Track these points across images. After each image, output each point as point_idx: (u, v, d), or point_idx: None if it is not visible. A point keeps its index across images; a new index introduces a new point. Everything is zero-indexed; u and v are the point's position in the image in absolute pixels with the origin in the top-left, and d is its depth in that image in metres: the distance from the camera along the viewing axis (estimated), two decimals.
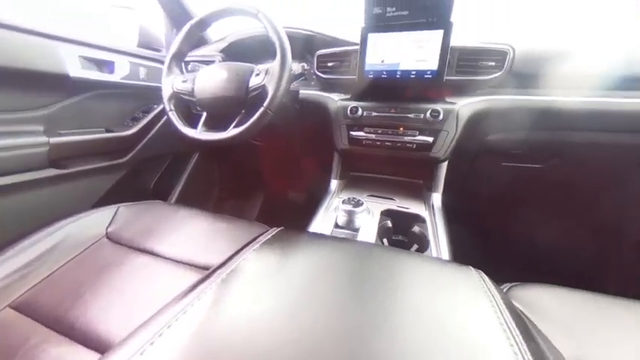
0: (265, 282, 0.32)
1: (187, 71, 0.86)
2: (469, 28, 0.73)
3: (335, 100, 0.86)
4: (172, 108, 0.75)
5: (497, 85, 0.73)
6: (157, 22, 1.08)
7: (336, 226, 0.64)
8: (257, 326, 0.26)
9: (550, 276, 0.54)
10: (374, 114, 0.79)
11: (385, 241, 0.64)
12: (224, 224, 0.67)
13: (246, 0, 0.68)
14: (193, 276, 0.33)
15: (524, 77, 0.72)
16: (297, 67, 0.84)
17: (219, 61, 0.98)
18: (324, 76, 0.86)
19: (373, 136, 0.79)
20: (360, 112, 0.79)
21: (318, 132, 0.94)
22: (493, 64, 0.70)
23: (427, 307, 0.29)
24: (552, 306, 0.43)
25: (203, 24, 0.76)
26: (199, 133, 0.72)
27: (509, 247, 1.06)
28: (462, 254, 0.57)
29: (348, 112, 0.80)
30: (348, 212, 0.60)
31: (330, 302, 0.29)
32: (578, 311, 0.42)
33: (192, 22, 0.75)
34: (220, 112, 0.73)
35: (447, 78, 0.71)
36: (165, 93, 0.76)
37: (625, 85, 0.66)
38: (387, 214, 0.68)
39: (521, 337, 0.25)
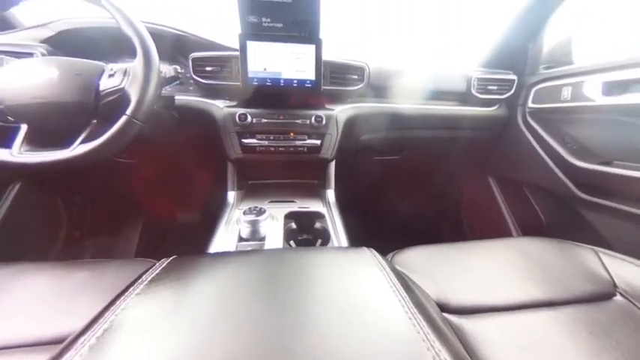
0: (162, 326, 0.26)
1: None
2: (334, 46, 0.86)
3: (220, 107, 0.81)
4: None
5: (361, 95, 0.90)
6: None
7: (240, 239, 0.60)
8: None
9: (416, 238, 0.71)
10: (264, 120, 0.79)
11: (292, 242, 0.66)
12: (84, 272, 0.50)
13: None
14: None
15: (379, 89, 0.91)
16: (168, 69, 0.72)
17: (43, 55, 0.72)
18: (204, 81, 0.79)
19: (266, 142, 0.80)
20: (249, 119, 0.78)
21: (204, 141, 0.86)
22: (356, 77, 0.85)
23: (336, 291, 0.32)
24: (420, 262, 0.57)
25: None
26: (19, 155, 0.51)
27: (388, 223, 1.32)
28: (357, 238, 0.66)
29: (237, 119, 0.77)
30: (252, 222, 0.58)
31: (246, 320, 0.27)
32: (435, 260, 0.58)
33: None
34: (54, 123, 0.54)
35: (324, 88, 0.80)
36: None
37: (435, 96, 0.96)
38: (290, 216, 0.70)
39: (403, 291, 0.33)
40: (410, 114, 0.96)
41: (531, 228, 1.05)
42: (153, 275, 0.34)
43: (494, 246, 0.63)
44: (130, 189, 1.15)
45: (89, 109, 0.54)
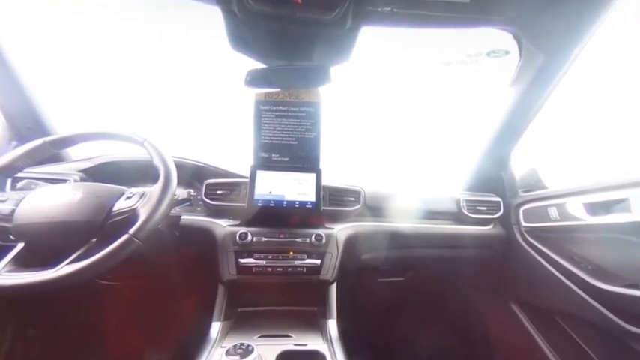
0: None
1: (15, 189, 0.65)
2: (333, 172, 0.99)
3: (223, 225, 0.83)
4: None
5: (359, 215, 0.95)
6: None
7: None
8: None
9: None
10: (264, 239, 0.79)
11: None
12: None
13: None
14: None
15: (375, 209, 0.97)
16: (182, 192, 0.79)
17: (75, 181, 0.81)
18: (212, 202, 0.85)
19: (264, 262, 0.76)
20: (249, 237, 0.78)
21: (197, 262, 0.82)
22: (353, 199, 0.93)
23: None
24: None
25: (66, 142, 0.66)
26: None
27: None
28: None
29: (237, 237, 0.77)
30: None
31: None
32: None
33: (48, 139, 0.64)
34: (52, 242, 0.54)
35: (324, 208, 0.86)
36: None
37: (430, 215, 1.01)
38: (283, 357, 0.57)
39: None
40: (409, 232, 0.97)
41: None
42: None
43: None
44: (99, 317, 0.99)
45: (94, 228, 0.55)
